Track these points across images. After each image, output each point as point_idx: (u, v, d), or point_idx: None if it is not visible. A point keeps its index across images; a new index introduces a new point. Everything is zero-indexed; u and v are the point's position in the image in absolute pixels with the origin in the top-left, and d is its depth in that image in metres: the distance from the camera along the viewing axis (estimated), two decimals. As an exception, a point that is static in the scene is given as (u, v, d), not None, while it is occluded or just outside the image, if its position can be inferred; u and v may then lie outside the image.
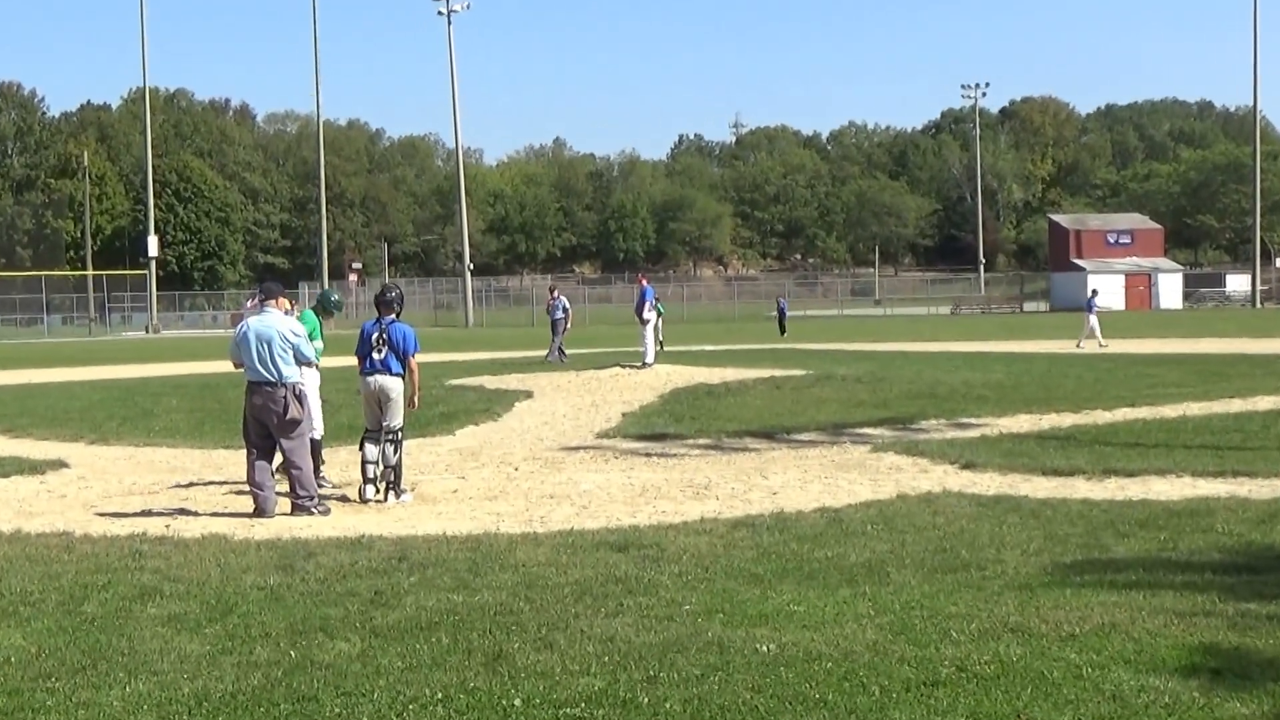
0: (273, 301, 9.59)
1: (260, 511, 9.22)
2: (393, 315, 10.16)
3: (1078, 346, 30.70)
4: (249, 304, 9.85)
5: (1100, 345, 30.36)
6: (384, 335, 10.05)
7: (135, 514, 9.48)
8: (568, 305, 29.75)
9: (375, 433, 10.03)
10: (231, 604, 6.39)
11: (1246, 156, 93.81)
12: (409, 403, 10.24)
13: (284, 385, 9.27)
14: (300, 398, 9.37)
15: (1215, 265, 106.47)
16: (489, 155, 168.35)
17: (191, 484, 11.12)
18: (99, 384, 24.45)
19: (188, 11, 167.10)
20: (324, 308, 11.21)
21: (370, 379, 10.06)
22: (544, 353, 28.69)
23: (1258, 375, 20.31)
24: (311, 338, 10.30)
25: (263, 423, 9.32)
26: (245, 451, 9.57)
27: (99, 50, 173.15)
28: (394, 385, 10.05)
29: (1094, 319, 31.54)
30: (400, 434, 10.08)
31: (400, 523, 8.92)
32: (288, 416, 9.24)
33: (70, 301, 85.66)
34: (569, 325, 29.56)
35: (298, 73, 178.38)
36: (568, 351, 28.50)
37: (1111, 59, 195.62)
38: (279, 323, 9.41)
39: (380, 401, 10.03)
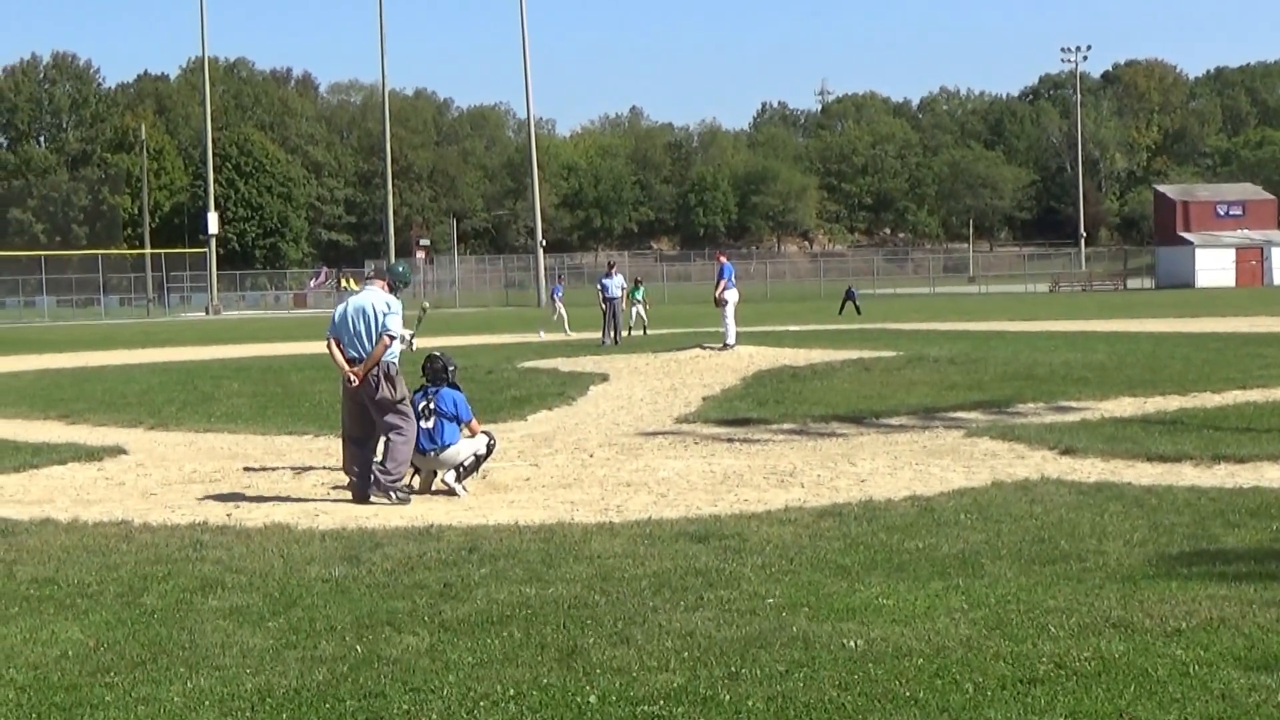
0: (379, 281, 9.49)
1: (360, 499, 9.16)
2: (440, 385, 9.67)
3: None
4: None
5: None
6: (430, 405, 9.54)
7: (196, 502, 9.43)
8: (624, 284, 29.56)
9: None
10: (295, 596, 6.30)
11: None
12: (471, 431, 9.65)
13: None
14: (393, 379, 9.22)
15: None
16: (562, 126, 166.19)
17: (252, 470, 11.05)
18: (158, 367, 24.41)
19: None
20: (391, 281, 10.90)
21: (420, 456, 9.51)
22: (611, 336, 28.01)
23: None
24: None
25: (358, 403, 9.23)
26: (340, 439, 9.53)
27: (156, 19, 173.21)
28: (448, 456, 9.47)
29: None
30: (488, 449, 9.68)
31: (470, 512, 8.77)
32: (377, 397, 9.15)
33: (128, 281, 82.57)
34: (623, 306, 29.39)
35: (362, 41, 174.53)
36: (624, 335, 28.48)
37: (1222, 18, 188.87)
38: (374, 298, 9.31)
39: (435, 470, 9.60)
